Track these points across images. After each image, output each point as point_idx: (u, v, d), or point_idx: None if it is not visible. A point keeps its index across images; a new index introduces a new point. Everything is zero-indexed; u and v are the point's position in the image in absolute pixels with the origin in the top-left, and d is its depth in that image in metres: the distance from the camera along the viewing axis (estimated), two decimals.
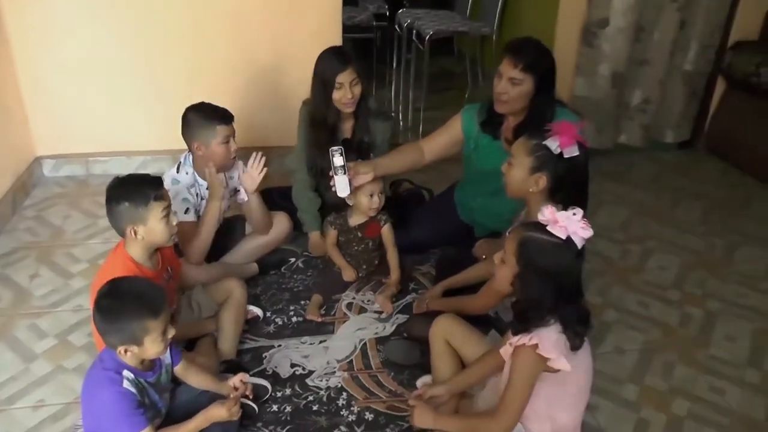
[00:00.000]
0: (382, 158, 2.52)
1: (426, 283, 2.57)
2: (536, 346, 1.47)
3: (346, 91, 2.55)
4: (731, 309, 2.54)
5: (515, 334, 1.53)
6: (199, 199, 2.37)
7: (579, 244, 1.51)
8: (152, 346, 1.55)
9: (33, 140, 3.26)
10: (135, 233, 1.82)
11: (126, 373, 1.55)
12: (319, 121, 2.65)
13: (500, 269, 1.63)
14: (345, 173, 2.29)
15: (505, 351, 1.55)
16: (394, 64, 4.67)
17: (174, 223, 1.88)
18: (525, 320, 1.53)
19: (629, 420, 2.02)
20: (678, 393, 2.13)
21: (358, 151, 2.62)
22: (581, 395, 1.65)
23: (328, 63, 2.57)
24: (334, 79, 2.54)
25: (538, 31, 2.96)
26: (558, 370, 1.52)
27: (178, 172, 2.33)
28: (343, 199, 2.40)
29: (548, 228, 1.51)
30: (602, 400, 2.06)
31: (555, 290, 1.51)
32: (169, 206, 1.86)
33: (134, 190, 1.81)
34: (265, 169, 2.36)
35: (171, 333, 1.59)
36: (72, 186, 3.27)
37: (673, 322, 2.46)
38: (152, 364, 1.64)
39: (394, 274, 2.51)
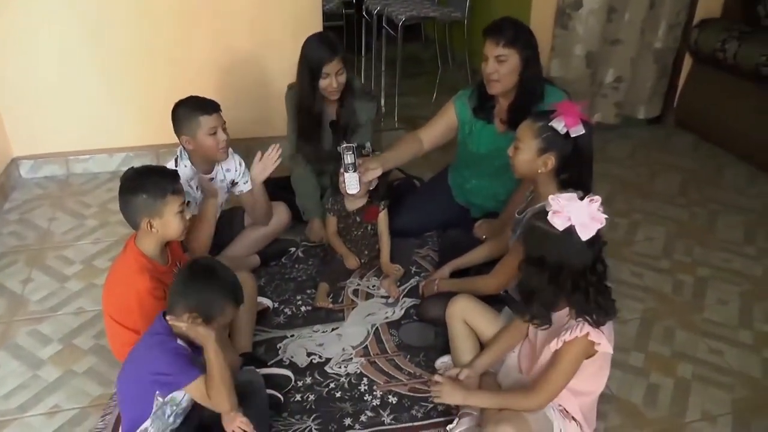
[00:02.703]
0: (388, 152, 2.55)
1: (426, 266, 2.61)
2: (588, 334, 1.53)
3: (331, 81, 2.56)
4: (719, 274, 2.65)
5: (525, 320, 1.63)
6: (199, 192, 2.34)
7: (584, 235, 1.47)
8: (216, 330, 1.59)
9: (8, 140, 3.15)
10: (150, 226, 1.80)
11: (179, 340, 1.59)
12: (306, 108, 2.65)
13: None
14: (356, 171, 2.30)
15: (554, 345, 1.57)
16: (363, 52, 4.67)
17: (188, 218, 1.88)
18: (530, 306, 1.58)
19: (640, 386, 2.10)
20: (681, 357, 2.22)
21: (344, 132, 2.66)
22: (605, 369, 1.71)
23: (315, 51, 2.56)
24: (320, 68, 2.53)
25: (510, 15, 2.99)
26: (596, 352, 1.58)
27: (176, 166, 2.30)
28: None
29: (548, 218, 1.50)
30: (612, 369, 2.07)
31: (553, 280, 1.53)
32: (184, 201, 1.85)
33: (152, 182, 1.79)
34: (279, 160, 2.38)
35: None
36: (53, 187, 3.17)
37: (667, 290, 2.55)
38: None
39: (384, 257, 2.54)
